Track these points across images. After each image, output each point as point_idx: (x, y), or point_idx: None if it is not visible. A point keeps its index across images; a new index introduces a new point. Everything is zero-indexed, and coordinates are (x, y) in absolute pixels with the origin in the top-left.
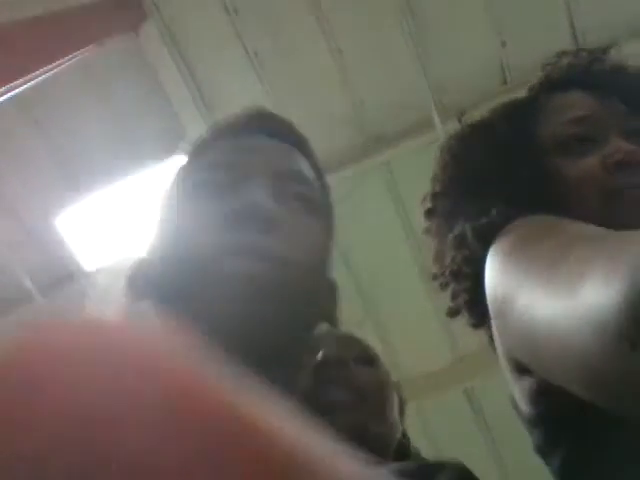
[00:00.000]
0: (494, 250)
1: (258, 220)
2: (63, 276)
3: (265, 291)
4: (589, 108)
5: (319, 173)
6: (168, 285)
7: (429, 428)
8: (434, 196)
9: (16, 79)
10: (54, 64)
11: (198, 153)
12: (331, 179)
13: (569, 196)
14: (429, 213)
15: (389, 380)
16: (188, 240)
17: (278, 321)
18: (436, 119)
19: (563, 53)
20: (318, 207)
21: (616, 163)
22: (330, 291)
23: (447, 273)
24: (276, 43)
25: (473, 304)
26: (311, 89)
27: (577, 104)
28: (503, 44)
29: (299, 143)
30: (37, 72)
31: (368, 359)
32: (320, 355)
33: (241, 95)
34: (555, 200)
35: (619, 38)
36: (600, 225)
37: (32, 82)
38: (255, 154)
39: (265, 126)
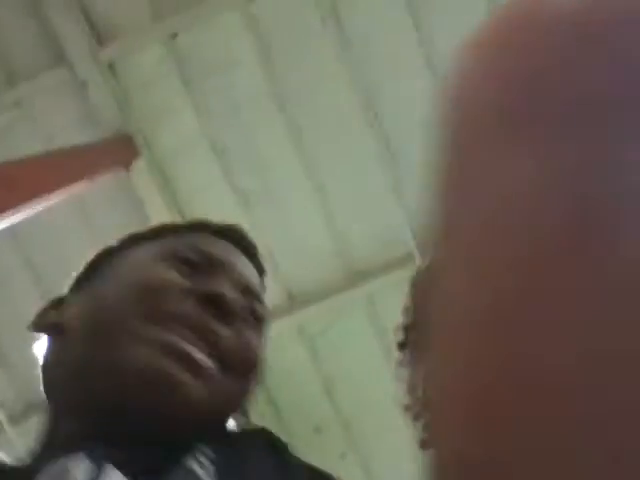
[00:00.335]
0: None
1: (224, 310)
2: (35, 404)
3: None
4: None
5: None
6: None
7: None
8: (405, 328)
9: (9, 210)
10: (47, 199)
11: (168, 232)
12: (314, 310)
13: None
14: (400, 345)
15: None
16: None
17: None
18: (416, 254)
19: None
20: (263, 324)
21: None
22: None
23: (419, 405)
24: (262, 180)
25: None
26: (296, 223)
27: None
28: None
29: (254, 253)
30: (31, 205)
31: None
32: None
33: None
34: None
35: None
36: None
37: (25, 214)
38: (231, 258)
39: (233, 235)
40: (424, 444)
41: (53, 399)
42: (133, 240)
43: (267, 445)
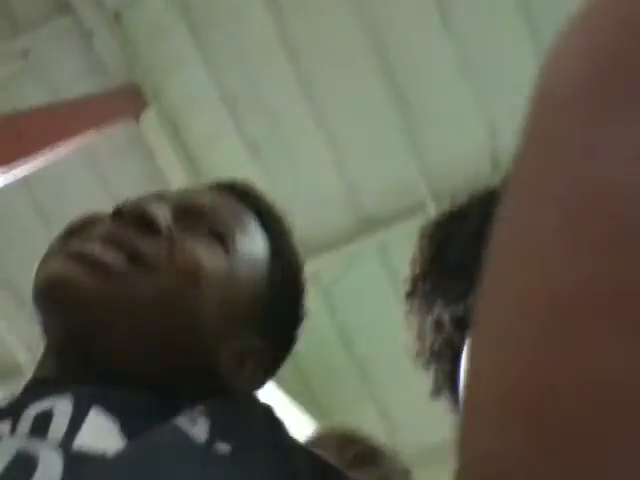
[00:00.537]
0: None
1: (141, 221)
2: None
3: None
4: None
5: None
6: None
7: None
8: (413, 278)
9: (21, 164)
10: (58, 150)
11: None
12: (327, 258)
13: None
14: (409, 295)
15: (393, 475)
16: None
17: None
18: (429, 203)
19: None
20: (225, 241)
21: None
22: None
23: (428, 354)
24: (273, 130)
25: (454, 386)
26: (307, 172)
27: None
28: (493, 131)
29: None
30: (42, 157)
31: (369, 458)
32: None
33: (235, 176)
34: None
35: None
36: None
37: (36, 167)
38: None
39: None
40: (433, 392)
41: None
42: None
43: (269, 421)
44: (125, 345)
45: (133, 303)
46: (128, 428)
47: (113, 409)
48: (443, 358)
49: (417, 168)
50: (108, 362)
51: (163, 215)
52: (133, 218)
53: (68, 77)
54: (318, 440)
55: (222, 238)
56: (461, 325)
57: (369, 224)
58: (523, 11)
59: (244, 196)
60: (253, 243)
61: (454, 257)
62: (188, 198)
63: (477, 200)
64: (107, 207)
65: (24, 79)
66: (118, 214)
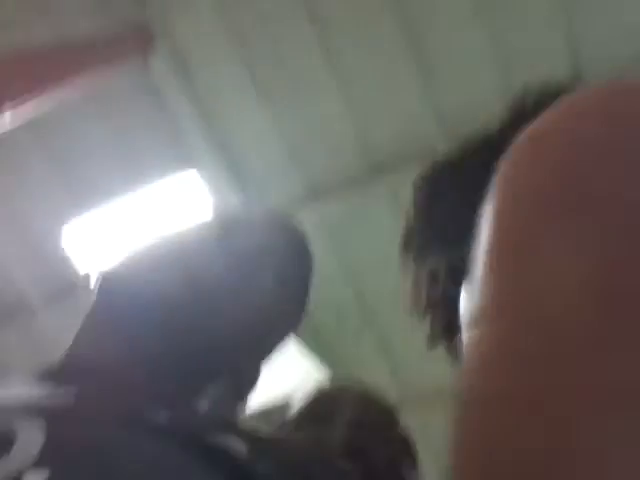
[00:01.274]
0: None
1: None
2: (65, 288)
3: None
4: None
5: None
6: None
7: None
8: (407, 230)
9: (29, 103)
10: (66, 89)
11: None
12: (336, 201)
13: None
14: (404, 247)
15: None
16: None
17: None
18: (441, 148)
19: (530, 87)
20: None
21: None
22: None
23: (424, 304)
24: (282, 71)
25: (451, 335)
26: (317, 114)
27: None
28: (507, 73)
29: None
30: (49, 97)
31: (386, 420)
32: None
33: (245, 119)
34: None
35: (621, 71)
36: None
37: (44, 107)
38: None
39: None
40: (430, 342)
41: None
42: None
43: None
44: None
45: None
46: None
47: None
48: (438, 309)
49: (429, 111)
50: None
51: None
52: None
53: (73, 14)
54: (336, 395)
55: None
56: (456, 275)
57: (379, 167)
58: None
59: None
60: None
61: (446, 209)
62: None
63: (470, 150)
64: (115, 149)
65: (29, 17)
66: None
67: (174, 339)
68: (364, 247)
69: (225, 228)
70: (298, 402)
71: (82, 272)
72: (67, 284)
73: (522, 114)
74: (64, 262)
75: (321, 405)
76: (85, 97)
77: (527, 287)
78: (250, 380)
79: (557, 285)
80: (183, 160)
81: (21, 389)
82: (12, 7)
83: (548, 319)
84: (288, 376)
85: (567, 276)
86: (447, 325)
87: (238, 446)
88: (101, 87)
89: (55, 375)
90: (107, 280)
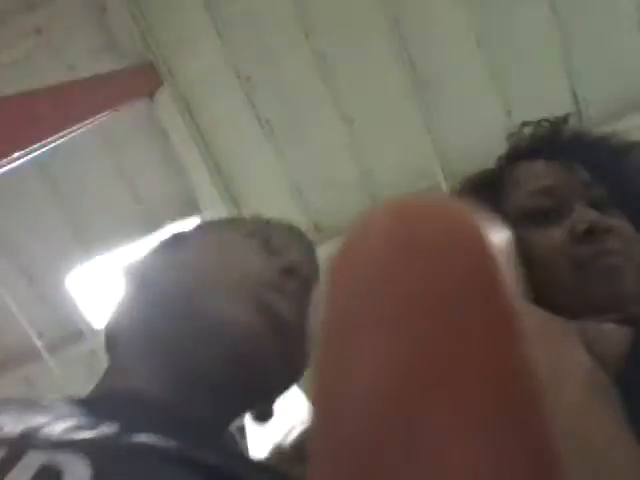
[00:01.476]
0: None
1: (305, 282)
2: (72, 334)
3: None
4: (554, 178)
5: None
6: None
7: None
8: None
9: (35, 143)
10: (72, 128)
11: (238, 224)
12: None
13: (539, 267)
14: None
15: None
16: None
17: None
18: (444, 186)
19: (526, 123)
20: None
21: (583, 232)
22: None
23: None
24: (288, 111)
25: None
26: (322, 154)
27: (542, 174)
28: (508, 113)
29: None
30: (56, 136)
31: None
32: None
33: (251, 161)
34: (525, 271)
35: (621, 109)
36: (571, 294)
37: (50, 146)
38: (297, 239)
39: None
40: None
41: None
42: (213, 224)
43: None
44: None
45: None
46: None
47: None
48: None
49: (433, 151)
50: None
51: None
52: (291, 275)
53: (82, 54)
54: None
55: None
56: None
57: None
58: None
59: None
60: None
61: None
62: (304, 260)
63: (468, 182)
64: (120, 187)
65: (38, 56)
66: (291, 272)
67: (222, 371)
68: None
69: None
70: (289, 440)
71: (88, 318)
72: (73, 331)
73: (518, 150)
74: (70, 308)
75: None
76: (91, 135)
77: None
78: (271, 413)
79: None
80: (190, 205)
81: (64, 422)
82: (23, 47)
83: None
84: (285, 412)
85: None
86: None
87: None
88: (107, 125)
89: (96, 407)
90: (150, 310)
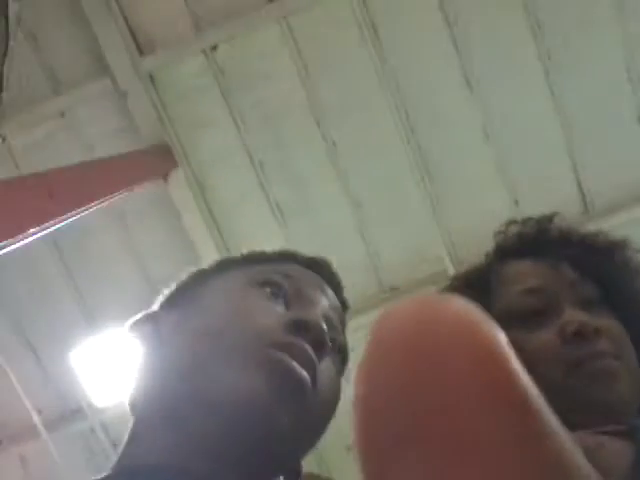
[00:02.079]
0: None
1: (317, 338)
2: (72, 411)
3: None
4: (542, 278)
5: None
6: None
7: None
8: None
9: (50, 220)
10: (86, 207)
11: (251, 260)
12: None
13: (530, 371)
14: None
15: None
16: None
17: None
18: (450, 272)
19: (512, 222)
20: (344, 358)
21: (572, 334)
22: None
23: None
24: (298, 194)
25: None
26: (330, 237)
27: (530, 274)
28: (516, 203)
29: (340, 288)
30: (70, 214)
31: None
32: None
33: (261, 243)
34: None
35: (626, 201)
36: (565, 399)
37: (65, 223)
38: (319, 289)
39: (322, 269)
40: None
41: (148, 407)
42: (224, 264)
43: None
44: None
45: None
46: None
47: None
48: None
49: (440, 237)
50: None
51: (326, 332)
52: (304, 330)
53: (102, 136)
54: None
55: (343, 355)
56: None
57: (391, 291)
58: (546, 74)
59: (340, 288)
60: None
61: None
62: (328, 308)
63: (456, 282)
64: (131, 266)
65: (60, 137)
66: (302, 328)
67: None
68: None
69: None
70: None
71: (90, 395)
72: (73, 407)
73: (504, 249)
74: (72, 384)
75: None
76: (104, 214)
77: None
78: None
79: None
80: None
81: None
82: (45, 128)
83: None
84: None
85: None
86: None
87: None
88: (120, 204)
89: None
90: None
